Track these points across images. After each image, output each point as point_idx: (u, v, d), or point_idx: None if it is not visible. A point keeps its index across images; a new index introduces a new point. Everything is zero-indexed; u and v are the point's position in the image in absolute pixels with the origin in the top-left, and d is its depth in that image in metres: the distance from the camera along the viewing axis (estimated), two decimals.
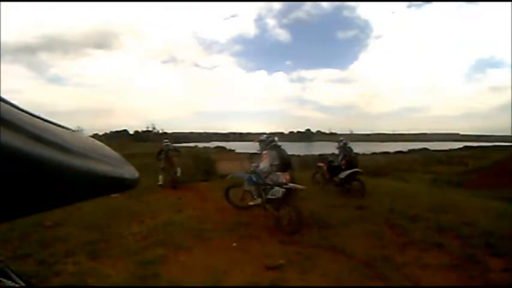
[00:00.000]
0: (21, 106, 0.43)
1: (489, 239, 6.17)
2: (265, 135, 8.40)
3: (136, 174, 0.56)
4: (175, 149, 13.23)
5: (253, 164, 8.07)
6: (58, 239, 6.06)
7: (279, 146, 8.08)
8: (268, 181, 7.65)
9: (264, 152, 7.93)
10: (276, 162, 7.67)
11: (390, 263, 5.45)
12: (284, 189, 7.28)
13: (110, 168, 0.50)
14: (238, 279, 4.91)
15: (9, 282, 1.23)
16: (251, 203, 7.98)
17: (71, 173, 0.41)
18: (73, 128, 0.53)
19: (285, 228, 6.96)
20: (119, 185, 0.52)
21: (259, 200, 7.77)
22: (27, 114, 0.42)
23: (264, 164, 7.73)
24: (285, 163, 7.78)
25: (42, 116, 0.46)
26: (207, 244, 6.27)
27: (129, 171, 0.55)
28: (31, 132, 0.38)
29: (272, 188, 7.44)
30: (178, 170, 12.21)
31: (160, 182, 11.96)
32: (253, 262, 5.49)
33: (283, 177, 7.54)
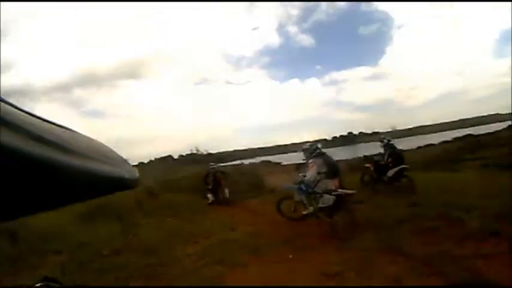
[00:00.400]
0: (21, 106, 0.42)
1: None
2: (308, 144, 8.37)
3: (137, 174, 0.58)
4: (222, 172, 13.53)
5: (301, 174, 8.01)
6: (116, 266, 6.18)
7: (324, 153, 8.02)
8: (317, 190, 7.53)
9: (310, 161, 7.86)
10: (324, 170, 7.57)
11: (448, 257, 5.24)
12: (334, 196, 7.18)
13: (110, 168, 0.50)
14: None
15: None
16: (304, 213, 7.90)
17: (71, 173, 0.41)
18: (73, 129, 0.52)
19: (340, 234, 6.83)
20: (119, 184, 0.54)
21: (311, 209, 7.67)
22: (27, 114, 0.42)
23: (311, 173, 7.63)
24: (332, 169, 7.68)
25: (42, 116, 0.45)
26: (263, 259, 6.22)
27: (129, 171, 0.56)
28: (31, 132, 0.38)
29: (322, 196, 7.34)
30: (226, 191, 12.38)
31: (209, 201, 12.15)
32: (311, 272, 5.40)
33: (332, 184, 7.43)
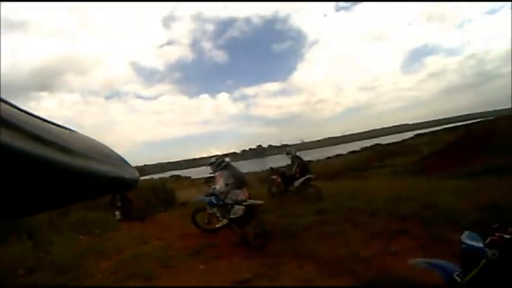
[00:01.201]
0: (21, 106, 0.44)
1: (450, 217, 6.47)
2: (214, 158, 8.70)
3: (137, 174, 0.58)
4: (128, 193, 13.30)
5: (212, 187, 8.24)
6: (31, 284, 6.13)
7: (230, 165, 8.37)
8: (228, 200, 7.85)
9: (217, 173, 8.17)
10: (231, 181, 7.90)
11: (357, 257, 5.69)
12: (244, 207, 7.50)
13: (110, 168, 0.51)
14: None
15: None
16: (217, 225, 8.21)
17: (71, 173, 0.42)
18: (73, 129, 0.54)
19: (252, 243, 7.17)
20: (119, 184, 0.55)
21: (225, 221, 7.98)
22: (27, 114, 0.43)
23: (219, 185, 7.91)
24: (239, 180, 8.05)
25: (42, 116, 0.47)
26: (176, 271, 6.40)
27: (129, 171, 0.56)
28: (31, 132, 0.39)
29: (233, 207, 7.65)
30: (135, 211, 12.43)
31: (118, 217, 12.00)
32: (222, 280, 5.64)
33: (242, 194, 7.81)
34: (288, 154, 12.00)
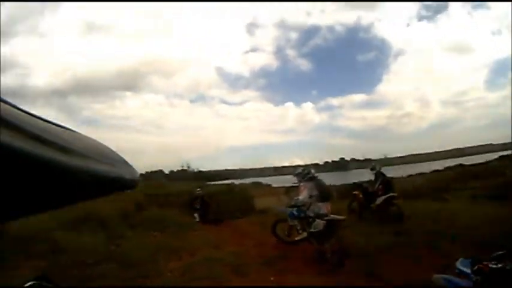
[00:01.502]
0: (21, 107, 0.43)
1: None
2: (301, 168, 8.41)
3: (137, 175, 0.57)
4: (208, 195, 13.89)
5: (295, 198, 8.03)
6: (97, 275, 6.13)
7: (316, 177, 8.06)
8: (310, 213, 7.55)
9: (301, 184, 7.92)
10: (315, 193, 7.60)
11: (428, 285, 5.13)
12: (325, 221, 7.16)
13: (110, 169, 0.51)
14: None
15: None
16: (297, 238, 7.91)
17: (71, 173, 0.42)
18: (73, 129, 0.53)
19: (329, 260, 6.77)
20: (119, 185, 0.54)
21: (304, 234, 7.66)
22: (27, 115, 0.43)
23: (302, 196, 7.67)
24: (324, 193, 7.73)
25: (42, 116, 0.46)
26: (246, 279, 6.21)
27: (129, 171, 0.56)
28: (31, 132, 0.38)
29: (314, 221, 7.31)
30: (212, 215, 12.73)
31: (197, 219, 12.25)
32: None
33: (325, 208, 7.47)
34: (372, 169, 11.48)
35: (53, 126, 0.47)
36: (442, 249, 6.75)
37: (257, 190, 21.99)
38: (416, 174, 29.86)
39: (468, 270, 3.27)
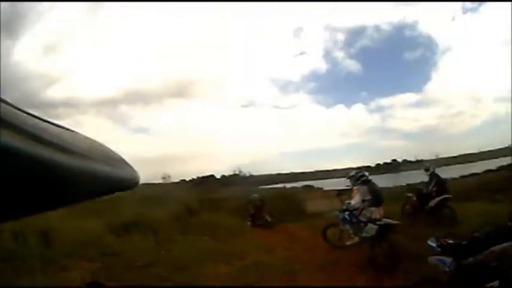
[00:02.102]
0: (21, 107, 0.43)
1: None
2: (354, 171, 8.26)
3: (137, 175, 0.56)
4: (262, 200, 13.76)
5: (346, 202, 7.90)
6: (147, 278, 6.28)
7: (369, 181, 7.87)
8: (362, 218, 7.38)
9: (355, 187, 7.75)
10: (368, 197, 7.42)
11: None
12: (378, 226, 6.97)
13: (110, 169, 0.50)
14: None
15: None
16: (348, 243, 7.75)
17: (71, 173, 0.41)
18: (73, 129, 0.53)
19: (381, 265, 6.59)
20: (119, 185, 0.53)
21: (356, 239, 7.50)
22: (27, 115, 0.43)
23: (355, 200, 7.53)
24: (377, 198, 7.53)
25: (42, 116, 0.46)
26: (296, 283, 6.18)
27: (129, 171, 0.56)
28: (31, 132, 0.38)
29: (366, 225, 7.15)
30: (268, 217, 12.63)
31: (249, 224, 12.36)
32: None
33: (377, 212, 7.29)
34: (426, 170, 11.09)
35: (53, 126, 0.47)
36: None
37: (308, 193, 21.80)
38: (469, 174, 28.52)
39: (434, 245, 4.51)
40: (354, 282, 6.06)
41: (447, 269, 3.99)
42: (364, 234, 7.14)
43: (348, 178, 8.21)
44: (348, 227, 7.71)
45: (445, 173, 11.84)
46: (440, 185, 10.30)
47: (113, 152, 0.57)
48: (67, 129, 0.51)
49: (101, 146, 0.56)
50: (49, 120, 0.47)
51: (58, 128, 0.48)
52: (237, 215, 12.96)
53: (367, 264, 6.82)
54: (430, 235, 7.90)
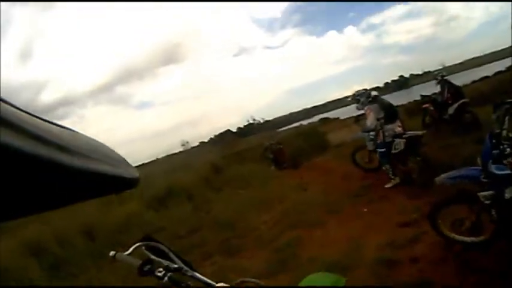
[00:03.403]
0: (21, 107, 0.41)
1: None
2: (358, 92, 8.03)
3: (137, 174, 0.55)
4: (278, 143, 14.00)
5: (366, 122, 7.71)
6: (194, 245, 6.41)
7: (378, 97, 7.69)
8: (387, 138, 7.17)
9: (365, 108, 7.57)
10: (381, 115, 7.25)
11: None
12: (404, 140, 6.85)
13: (110, 168, 0.49)
14: (374, 241, 4.79)
15: (169, 262, 1.41)
16: (388, 185, 7.40)
17: (71, 173, 0.40)
18: (74, 129, 0.51)
19: (417, 180, 6.53)
20: (119, 184, 0.52)
21: (397, 179, 7.25)
22: (27, 114, 0.41)
23: (370, 121, 7.35)
24: (391, 113, 7.36)
25: (42, 116, 0.44)
26: (338, 216, 6.17)
27: (129, 171, 0.54)
28: (31, 132, 0.36)
29: (394, 141, 6.99)
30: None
31: (273, 168, 12.64)
32: (387, 223, 5.30)
33: (397, 127, 7.17)
34: (436, 79, 10.78)
35: (53, 126, 0.45)
36: None
37: (327, 126, 21.86)
38: (479, 78, 27.95)
39: None
40: (395, 202, 6.07)
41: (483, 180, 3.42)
42: (393, 151, 7.02)
43: (355, 101, 8.00)
44: (387, 167, 7.33)
45: (455, 80, 11.53)
46: (455, 90, 10.12)
47: (113, 151, 0.56)
48: (67, 128, 0.49)
49: (101, 146, 0.54)
50: (49, 120, 0.45)
51: (58, 127, 0.46)
52: (263, 163, 13.08)
53: (402, 183, 6.85)
54: (459, 142, 7.89)
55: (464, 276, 3.48)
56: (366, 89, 8.05)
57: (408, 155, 6.85)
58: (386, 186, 7.14)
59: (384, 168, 7.33)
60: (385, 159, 7.20)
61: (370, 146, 7.80)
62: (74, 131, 0.50)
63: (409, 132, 7.05)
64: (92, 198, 0.48)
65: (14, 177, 0.33)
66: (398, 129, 7.09)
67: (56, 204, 0.43)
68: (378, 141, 7.31)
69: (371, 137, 7.59)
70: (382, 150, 7.19)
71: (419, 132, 7.11)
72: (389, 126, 7.12)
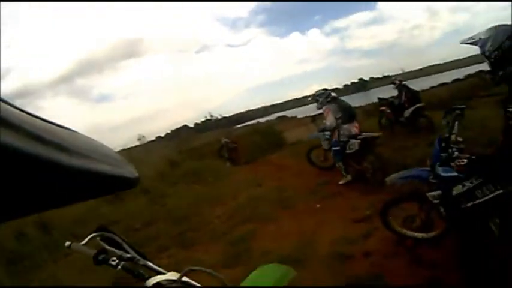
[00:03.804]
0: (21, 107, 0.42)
1: None
2: (318, 91, 8.10)
3: (136, 174, 0.57)
4: (233, 141, 14.17)
5: (322, 124, 7.91)
6: (149, 238, 6.37)
7: (337, 98, 7.79)
8: (342, 137, 7.30)
9: (324, 108, 7.65)
10: (339, 115, 7.36)
11: None
12: (359, 141, 7.00)
13: (109, 168, 0.51)
14: (327, 236, 4.91)
15: (123, 252, 1.42)
16: (341, 182, 7.57)
17: (71, 173, 0.41)
18: (73, 129, 0.52)
19: (370, 179, 6.71)
20: (119, 184, 0.54)
21: (349, 177, 7.44)
22: (27, 114, 0.42)
23: (329, 121, 7.43)
24: (348, 113, 7.49)
25: (42, 116, 0.45)
26: (292, 211, 6.28)
27: (129, 170, 0.56)
28: (31, 132, 0.38)
29: (348, 142, 7.13)
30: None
31: (228, 164, 12.83)
32: (340, 219, 5.45)
33: (353, 127, 7.28)
34: (393, 84, 11.08)
35: (53, 126, 0.46)
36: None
37: (284, 124, 21.99)
38: (438, 85, 29.03)
39: None
40: (348, 200, 6.23)
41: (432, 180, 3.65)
42: (347, 151, 7.17)
43: (315, 101, 8.08)
44: (340, 165, 7.51)
45: (414, 85, 11.95)
46: (412, 95, 10.45)
47: (113, 151, 0.57)
48: (67, 129, 0.50)
49: (101, 146, 0.56)
50: (49, 120, 0.47)
51: (58, 128, 0.48)
52: (219, 159, 13.10)
53: (356, 181, 7.03)
54: (412, 145, 8.20)
55: (416, 270, 3.65)
56: (326, 89, 8.16)
57: (363, 155, 7.01)
58: (339, 182, 7.31)
59: (337, 165, 7.50)
60: (338, 156, 7.34)
61: (325, 145, 7.97)
62: (73, 131, 0.52)
63: (365, 133, 7.20)
64: (91, 198, 0.50)
65: (13, 177, 0.35)
66: (355, 130, 7.22)
67: (56, 204, 0.45)
68: (333, 140, 7.46)
69: (326, 136, 7.76)
70: (336, 148, 7.33)
71: (375, 134, 7.30)
72: (345, 126, 7.25)
